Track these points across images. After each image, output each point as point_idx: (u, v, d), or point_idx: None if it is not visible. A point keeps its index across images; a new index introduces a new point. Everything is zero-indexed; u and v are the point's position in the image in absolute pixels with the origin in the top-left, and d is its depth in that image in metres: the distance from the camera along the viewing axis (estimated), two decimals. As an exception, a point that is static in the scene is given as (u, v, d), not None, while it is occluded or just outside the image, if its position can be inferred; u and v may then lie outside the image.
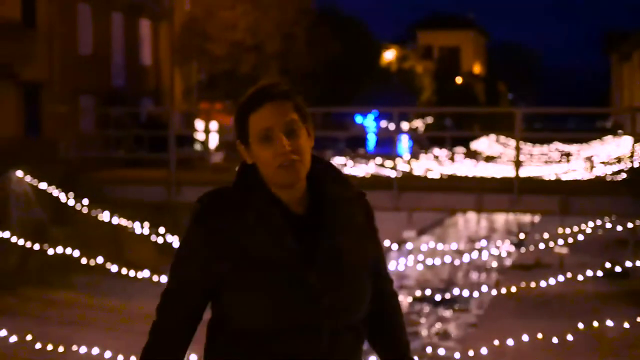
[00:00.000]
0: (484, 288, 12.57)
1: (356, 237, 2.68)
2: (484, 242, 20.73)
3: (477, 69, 66.70)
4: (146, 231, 13.24)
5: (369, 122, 43.57)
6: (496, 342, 8.41)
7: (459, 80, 55.65)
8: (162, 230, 13.18)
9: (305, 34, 24.92)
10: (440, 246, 15.21)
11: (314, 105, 20.07)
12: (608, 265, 11.04)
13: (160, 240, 13.23)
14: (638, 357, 10.48)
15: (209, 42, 25.00)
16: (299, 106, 2.64)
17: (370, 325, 2.82)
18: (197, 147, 24.07)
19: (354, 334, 2.67)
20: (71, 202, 14.13)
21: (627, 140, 25.94)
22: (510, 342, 8.44)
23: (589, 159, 23.95)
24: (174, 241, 13.08)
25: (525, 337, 8.61)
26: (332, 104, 29.71)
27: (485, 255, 13.64)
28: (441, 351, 11.11)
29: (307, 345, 2.55)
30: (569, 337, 8.61)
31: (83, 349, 7.90)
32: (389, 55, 41.33)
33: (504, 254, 18.51)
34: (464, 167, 23.39)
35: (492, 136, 33.18)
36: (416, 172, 20.61)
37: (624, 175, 17.33)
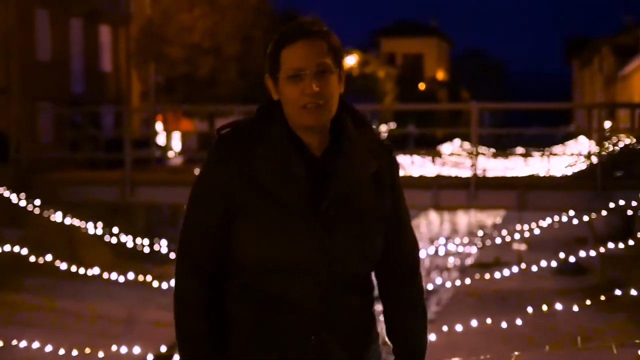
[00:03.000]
0: (440, 283, 12.48)
1: (370, 188, 2.58)
2: (442, 241, 20.68)
3: (440, 75, 67.00)
4: (100, 232, 13.03)
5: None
6: (445, 328, 8.31)
7: (422, 86, 55.82)
8: (116, 230, 12.99)
9: (264, 36, 24.76)
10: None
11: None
12: (554, 262, 10.99)
13: (114, 240, 13.04)
14: (593, 347, 10.41)
15: (166, 45, 24.79)
16: (334, 48, 2.57)
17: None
18: (157, 150, 23.81)
19: (359, 287, 2.60)
20: (22, 203, 13.88)
21: (589, 144, 26.12)
22: (458, 327, 8.34)
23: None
24: (128, 241, 12.89)
25: (473, 324, 8.52)
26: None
27: (442, 252, 13.55)
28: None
29: (302, 288, 2.50)
30: (519, 322, 8.54)
31: (23, 343, 7.69)
32: (351, 60, 41.37)
33: (463, 252, 18.48)
34: (426, 169, 23.38)
35: (457, 141, 33.27)
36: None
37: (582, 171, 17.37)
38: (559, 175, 19.31)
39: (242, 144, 2.54)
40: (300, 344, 2.50)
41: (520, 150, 33.53)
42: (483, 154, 19.13)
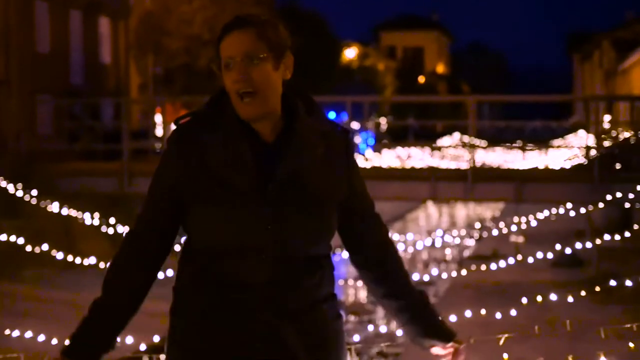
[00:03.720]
0: (437, 274, 12.49)
1: (322, 170, 2.66)
2: (440, 233, 20.67)
3: (440, 69, 66.91)
4: (97, 222, 13.02)
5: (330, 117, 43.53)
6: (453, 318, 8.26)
7: (421, 79, 55.75)
8: (113, 221, 12.97)
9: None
10: (396, 236, 15.12)
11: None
12: (551, 254, 10.98)
13: (111, 231, 13.03)
14: (590, 340, 10.42)
15: (165, 37, 24.76)
16: (266, 36, 2.63)
17: (363, 276, 2.87)
18: (155, 142, 23.78)
19: (312, 268, 2.67)
20: (20, 194, 13.87)
21: (589, 138, 26.05)
22: (453, 318, 8.31)
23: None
24: (126, 232, 12.87)
25: (467, 314, 8.50)
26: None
27: (439, 244, 13.55)
28: (399, 333, 11.00)
29: (252, 268, 2.59)
30: (513, 312, 8.53)
31: (16, 333, 7.66)
32: (351, 53, 41.31)
33: (461, 244, 18.49)
34: (425, 161, 23.34)
35: (456, 135, 33.23)
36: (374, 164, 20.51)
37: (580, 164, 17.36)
38: (557, 168, 19.32)
39: (196, 133, 2.64)
40: (249, 324, 2.60)
41: (518, 143, 33.58)
42: (481, 147, 19.10)
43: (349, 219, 2.78)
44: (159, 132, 25.62)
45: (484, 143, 21.41)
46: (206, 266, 2.63)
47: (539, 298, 8.76)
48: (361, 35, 62.08)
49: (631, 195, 12.15)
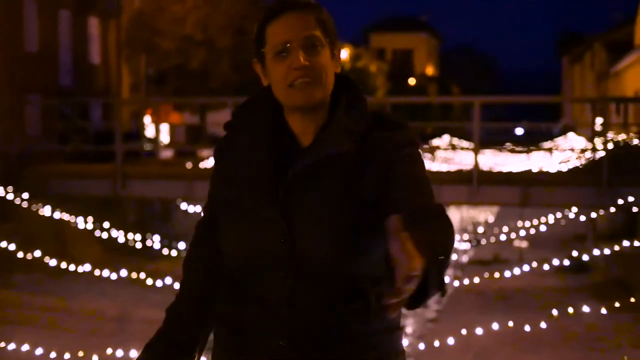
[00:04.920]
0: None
1: (342, 173, 2.22)
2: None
3: (430, 70, 66.78)
4: (90, 226, 12.65)
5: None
6: (464, 332, 7.95)
7: (412, 81, 55.52)
8: (107, 225, 12.61)
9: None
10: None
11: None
12: (566, 260, 10.68)
13: (105, 235, 12.67)
14: (604, 349, 10.12)
15: (157, 37, 24.35)
16: (323, 21, 2.29)
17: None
18: (147, 143, 23.37)
19: (351, 290, 2.21)
20: (10, 197, 13.45)
21: (578, 141, 25.86)
22: (479, 331, 7.99)
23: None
24: (120, 237, 12.52)
25: (494, 327, 8.18)
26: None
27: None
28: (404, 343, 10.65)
29: (269, 287, 2.24)
30: (527, 328, 8.23)
31: (12, 346, 7.28)
32: (343, 54, 40.94)
33: (461, 248, 18.17)
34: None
35: (445, 137, 32.98)
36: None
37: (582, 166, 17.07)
38: (553, 171, 19.01)
39: (229, 138, 2.41)
40: (262, 349, 2.26)
41: (509, 145, 33.39)
42: (475, 151, 18.76)
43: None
44: (149, 133, 25.22)
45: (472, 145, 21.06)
46: (234, 282, 2.33)
47: (555, 311, 8.48)
48: (351, 37, 61.97)
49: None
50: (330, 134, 2.25)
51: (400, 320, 2.37)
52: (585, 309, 8.77)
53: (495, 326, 7.87)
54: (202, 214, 2.50)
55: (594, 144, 15.63)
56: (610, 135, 20.51)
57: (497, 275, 9.83)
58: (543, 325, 8.20)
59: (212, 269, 2.41)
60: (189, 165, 17.64)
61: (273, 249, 2.22)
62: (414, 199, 2.16)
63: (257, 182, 2.27)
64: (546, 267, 9.82)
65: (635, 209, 13.28)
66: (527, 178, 14.43)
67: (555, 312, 8.46)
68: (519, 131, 45.82)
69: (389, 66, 54.07)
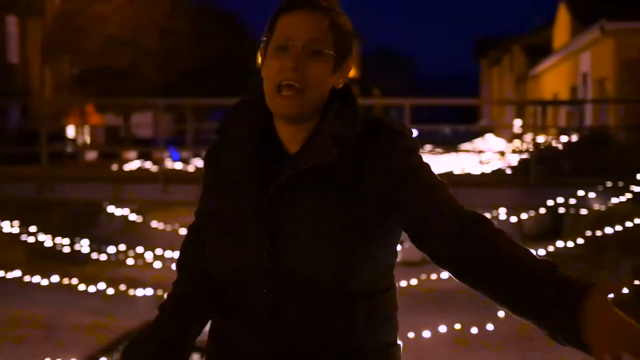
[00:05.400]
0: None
1: (329, 185, 2.09)
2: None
3: (351, 72, 67.01)
4: (15, 230, 12.33)
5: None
6: (411, 335, 7.96)
7: (335, 83, 55.71)
8: (33, 229, 12.31)
9: (183, 29, 24.16)
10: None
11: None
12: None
13: (31, 239, 12.36)
14: (542, 348, 10.24)
15: (81, 37, 23.93)
16: (338, 26, 2.15)
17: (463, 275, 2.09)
18: (70, 145, 22.95)
19: (339, 307, 2.11)
20: None
21: (497, 142, 26.25)
22: (411, 335, 8.00)
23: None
24: (47, 241, 12.23)
25: (430, 328, 8.21)
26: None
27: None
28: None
29: (252, 304, 2.14)
30: (456, 327, 8.28)
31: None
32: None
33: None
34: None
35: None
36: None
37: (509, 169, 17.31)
38: (476, 173, 19.24)
39: (216, 144, 2.30)
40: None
41: (428, 147, 33.70)
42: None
43: (418, 235, 2.10)
44: (70, 134, 24.76)
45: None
46: (217, 296, 2.24)
47: (501, 313, 8.55)
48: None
49: (573, 201, 12.06)
50: (316, 142, 2.13)
51: (396, 335, 2.25)
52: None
53: (430, 328, 7.90)
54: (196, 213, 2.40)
55: (523, 144, 15.86)
56: (529, 137, 20.87)
57: (434, 276, 9.86)
58: (475, 327, 8.27)
59: (201, 275, 2.31)
60: (114, 167, 17.35)
61: (256, 263, 2.11)
62: (445, 212, 2.06)
63: (242, 191, 2.16)
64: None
65: (561, 210, 13.53)
66: (453, 180, 14.55)
67: (501, 314, 8.53)
68: (447, 132, 46.33)
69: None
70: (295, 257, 2.08)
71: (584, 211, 13.17)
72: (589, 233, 10.11)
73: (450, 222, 2.05)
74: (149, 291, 10.66)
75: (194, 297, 2.29)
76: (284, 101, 2.11)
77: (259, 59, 2.24)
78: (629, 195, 11.89)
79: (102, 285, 10.05)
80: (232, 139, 2.23)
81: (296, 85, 2.09)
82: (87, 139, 28.85)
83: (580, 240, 10.02)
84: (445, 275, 7.97)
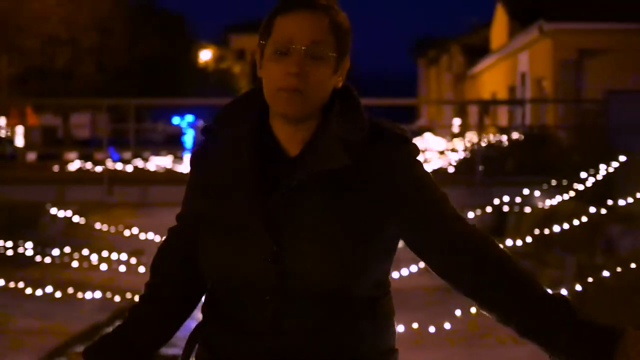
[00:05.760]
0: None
1: (338, 190, 2.06)
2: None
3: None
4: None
5: (185, 123, 42.94)
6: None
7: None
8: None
9: (122, 28, 23.89)
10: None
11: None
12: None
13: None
14: (487, 345, 10.35)
15: (19, 36, 23.49)
16: (337, 25, 2.11)
17: (479, 300, 2.09)
18: (9, 146, 22.52)
19: (339, 312, 2.07)
20: None
21: (436, 141, 26.42)
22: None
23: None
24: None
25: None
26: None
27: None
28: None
29: (253, 312, 2.07)
30: (414, 325, 8.34)
31: None
32: (206, 55, 40.66)
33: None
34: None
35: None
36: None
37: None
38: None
39: (205, 144, 2.24)
40: None
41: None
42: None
43: (416, 244, 2.12)
44: (2, 134, 24.34)
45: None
46: (212, 304, 2.18)
47: (458, 311, 8.61)
48: (211, 37, 61.57)
49: (518, 199, 12.20)
50: (325, 145, 2.09)
51: (394, 342, 2.23)
52: (465, 308, 8.92)
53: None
54: (176, 220, 2.32)
55: (464, 143, 15.99)
56: (470, 135, 21.07)
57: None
58: (417, 325, 8.33)
59: (181, 279, 2.26)
60: (56, 168, 17.08)
61: (257, 269, 2.05)
62: (445, 225, 2.09)
63: (241, 193, 2.09)
64: (415, 268, 9.91)
65: (505, 208, 13.68)
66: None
67: (458, 312, 8.59)
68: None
69: (249, 67, 54.07)
70: (299, 262, 2.04)
71: (527, 209, 13.34)
72: (537, 231, 10.22)
73: (450, 236, 2.08)
74: (95, 294, 10.51)
75: (167, 301, 2.25)
76: (286, 102, 2.07)
77: (256, 57, 2.19)
78: (572, 194, 12.09)
79: (48, 289, 9.87)
80: (226, 138, 2.16)
81: (299, 88, 2.06)
82: (19, 140, 28.36)
83: (529, 239, 10.12)
84: (396, 275, 7.98)
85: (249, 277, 2.07)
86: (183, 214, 2.29)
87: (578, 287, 9.20)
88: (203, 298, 2.27)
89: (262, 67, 2.14)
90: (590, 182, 12.26)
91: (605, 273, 9.28)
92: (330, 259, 2.04)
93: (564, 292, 9.22)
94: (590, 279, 9.13)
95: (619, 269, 9.26)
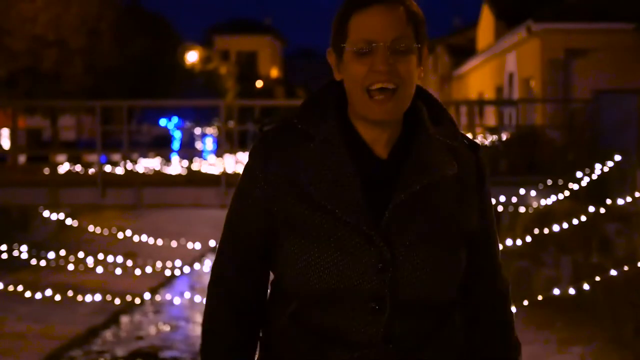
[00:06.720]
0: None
1: (449, 196, 2.05)
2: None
3: (274, 73, 67.01)
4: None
5: (172, 125, 42.86)
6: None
7: (259, 84, 55.56)
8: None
9: (111, 29, 23.77)
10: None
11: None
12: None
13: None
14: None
15: (6, 36, 23.32)
16: (414, 14, 2.03)
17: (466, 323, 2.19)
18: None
19: (440, 318, 2.07)
20: None
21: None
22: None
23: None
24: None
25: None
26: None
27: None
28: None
29: (360, 322, 1.98)
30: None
31: None
32: (193, 56, 40.57)
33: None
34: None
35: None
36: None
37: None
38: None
39: (286, 143, 2.08)
40: None
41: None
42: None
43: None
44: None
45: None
46: (301, 316, 2.05)
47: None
48: (195, 38, 61.46)
49: (514, 199, 12.20)
50: (434, 151, 2.06)
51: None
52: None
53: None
54: (234, 241, 2.14)
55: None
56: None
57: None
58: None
59: (258, 298, 2.15)
60: (46, 171, 16.96)
61: (367, 280, 1.98)
62: (494, 252, 2.24)
63: (346, 200, 1.99)
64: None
65: (500, 208, 13.67)
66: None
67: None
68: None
69: (235, 68, 53.98)
70: (411, 271, 2.00)
71: (522, 209, 13.35)
72: (536, 231, 10.22)
73: (492, 264, 2.23)
74: (89, 297, 10.45)
75: (250, 325, 2.13)
76: (380, 106, 2.01)
77: (330, 60, 2.12)
78: (567, 193, 12.10)
79: (42, 292, 9.79)
80: (311, 138, 2.06)
81: (390, 86, 2.00)
82: (8, 143, 28.20)
83: (526, 238, 10.13)
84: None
85: (356, 287, 1.98)
86: (244, 240, 2.13)
87: (575, 288, 9.19)
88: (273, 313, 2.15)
89: (341, 70, 2.08)
90: (585, 181, 12.28)
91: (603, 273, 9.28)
92: (440, 268, 2.03)
93: (557, 292, 9.22)
94: (586, 280, 9.13)
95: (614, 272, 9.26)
